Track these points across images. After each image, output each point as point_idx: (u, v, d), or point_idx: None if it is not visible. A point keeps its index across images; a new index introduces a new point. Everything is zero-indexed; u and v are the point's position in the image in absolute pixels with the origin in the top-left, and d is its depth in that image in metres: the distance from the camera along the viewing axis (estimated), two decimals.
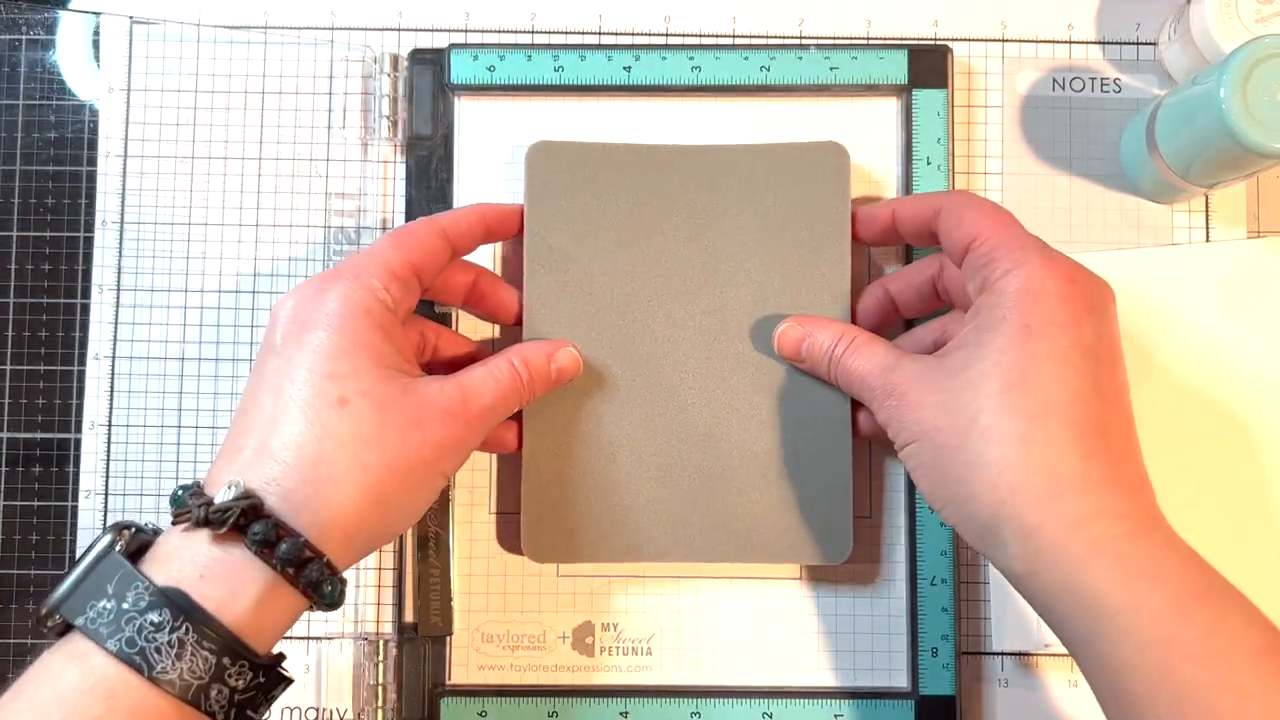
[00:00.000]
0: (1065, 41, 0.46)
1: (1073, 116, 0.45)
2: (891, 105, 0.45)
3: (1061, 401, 0.33)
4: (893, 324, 0.42)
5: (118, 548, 0.31)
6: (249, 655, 0.31)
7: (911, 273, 0.41)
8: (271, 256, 0.45)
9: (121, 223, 0.45)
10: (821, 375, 0.40)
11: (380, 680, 0.43)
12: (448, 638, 0.43)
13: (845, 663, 0.44)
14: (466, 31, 0.46)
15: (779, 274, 0.42)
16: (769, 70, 0.44)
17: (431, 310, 0.43)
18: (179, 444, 0.44)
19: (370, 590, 0.44)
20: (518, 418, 0.42)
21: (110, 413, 0.44)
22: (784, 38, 0.46)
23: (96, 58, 0.45)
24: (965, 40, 0.46)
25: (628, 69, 0.44)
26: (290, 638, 0.43)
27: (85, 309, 0.45)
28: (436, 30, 0.46)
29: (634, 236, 0.42)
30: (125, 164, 0.45)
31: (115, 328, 0.44)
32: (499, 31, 0.46)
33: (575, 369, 0.41)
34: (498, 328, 0.44)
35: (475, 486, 0.44)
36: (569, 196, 0.42)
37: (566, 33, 0.46)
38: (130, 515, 0.44)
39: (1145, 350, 0.44)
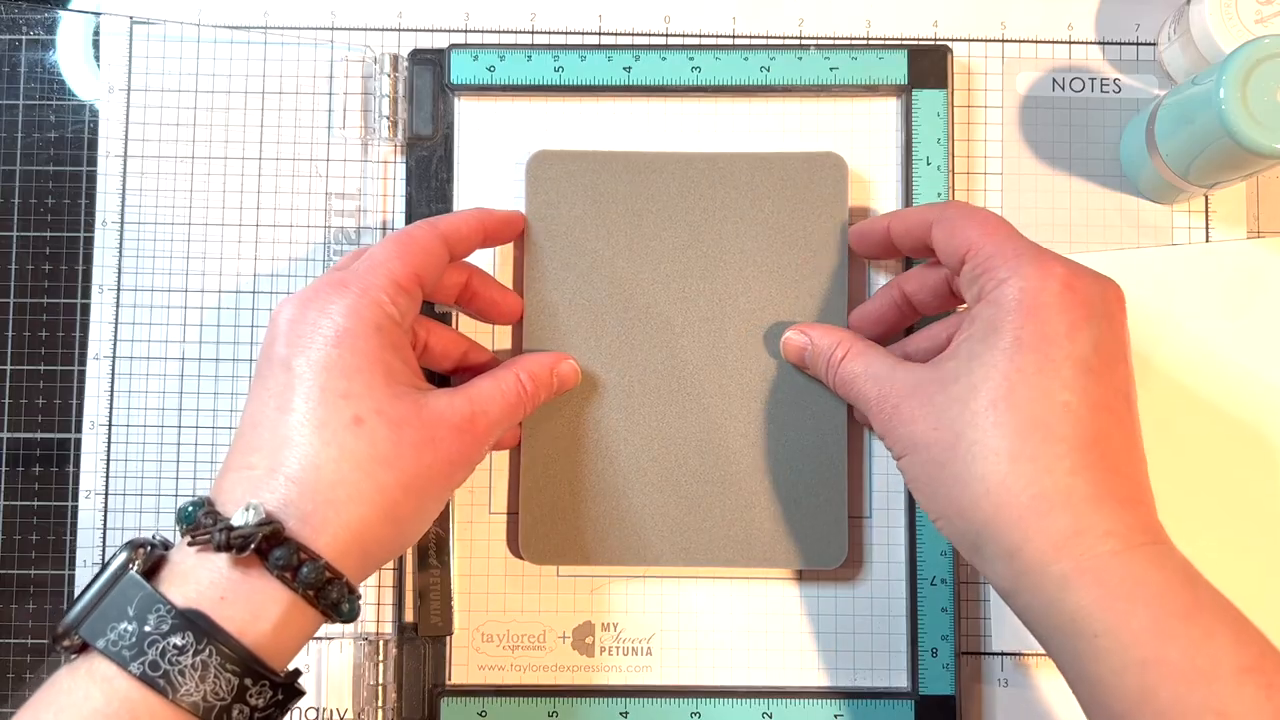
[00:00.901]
0: (1065, 42, 0.46)
1: (1072, 117, 0.45)
2: (891, 105, 0.45)
3: (1049, 416, 0.32)
4: (908, 324, 0.42)
5: (134, 567, 0.31)
6: (269, 675, 0.31)
7: (926, 273, 0.40)
8: (271, 257, 0.45)
9: (121, 223, 0.45)
10: (823, 381, 0.41)
11: (380, 680, 0.43)
12: (448, 638, 0.43)
13: (845, 663, 0.44)
14: (466, 31, 0.46)
15: (777, 282, 0.43)
16: (769, 70, 0.44)
17: (432, 310, 0.43)
18: (179, 444, 0.44)
19: (370, 590, 0.44)
20: None
21: (110, 413, 0.44)
22: (784, 38, 0.46)
23: (96, 58, 0.45)
24: (965, 40, 0.46)
25: (628, 69, 0.44)
26: None
27: (85, 309, 0.45)
28: (436, 30, 0.46)
29: (633, 245, 0.43)
30: (125, 164, 0.45)
31: (115, 328, 0.44)
32: (499, 32, 0.46)
33: (575, 380, 0.42)
34: (496, 329, 0.44)
35: (475, 487, 0.44)
36: (569, 205, 0.43)
37: (566, 33, 0.46)
38: (130, 515, 0.44)
39: (1144, 351, 0.44)
